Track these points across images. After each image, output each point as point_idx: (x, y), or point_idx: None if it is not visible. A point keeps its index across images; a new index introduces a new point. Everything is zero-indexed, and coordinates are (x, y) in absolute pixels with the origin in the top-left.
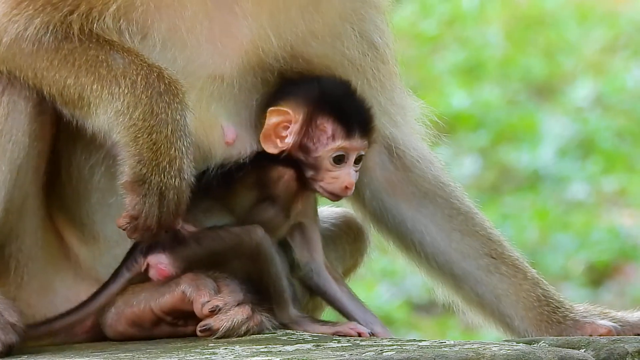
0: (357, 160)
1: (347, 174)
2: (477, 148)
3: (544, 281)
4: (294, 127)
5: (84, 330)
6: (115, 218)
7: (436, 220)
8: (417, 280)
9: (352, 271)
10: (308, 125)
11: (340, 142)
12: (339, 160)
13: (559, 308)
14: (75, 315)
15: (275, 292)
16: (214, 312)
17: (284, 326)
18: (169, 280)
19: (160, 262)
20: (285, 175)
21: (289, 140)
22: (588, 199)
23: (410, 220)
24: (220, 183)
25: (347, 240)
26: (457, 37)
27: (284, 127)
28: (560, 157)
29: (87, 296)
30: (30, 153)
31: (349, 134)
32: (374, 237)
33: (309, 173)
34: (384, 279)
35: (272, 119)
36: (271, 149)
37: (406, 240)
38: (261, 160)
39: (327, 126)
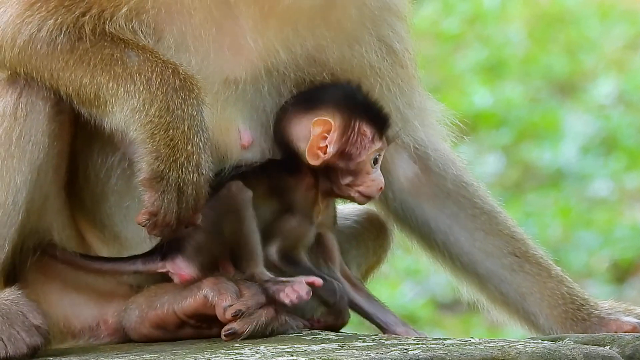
0: (377, 162)
1: (380, 175)
2: (500, 146)
3: (569, 279)
4: (334, 136)
5: (107, 332)
6: (134, 219)
7: (459, 220)
8: (441, 278)
9: (376, 268)
10: (349, 131)
11: (378, 144)
12: (375, 162)
13: (584, 305)
14: (73, 259)
15: (245, 247)
16: (236, 316)
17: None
18: (190, 284)
19: (180, 268)
20: (304, 183)
21: (332, 149)
22: (611, 196)
23: (434, 220)
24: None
25: (370, 237)
26: (479, 36)
27: (323, 137)
28: (583, 155)
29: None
30: (50, 153)
31: (380, 134)
32: (398, 236)
33: (347, 180)
34: (408, 277)
35: (316, 130)
36: (314, 161)
37: (430, 240)
38: (274, 168)
39: (367, 130)
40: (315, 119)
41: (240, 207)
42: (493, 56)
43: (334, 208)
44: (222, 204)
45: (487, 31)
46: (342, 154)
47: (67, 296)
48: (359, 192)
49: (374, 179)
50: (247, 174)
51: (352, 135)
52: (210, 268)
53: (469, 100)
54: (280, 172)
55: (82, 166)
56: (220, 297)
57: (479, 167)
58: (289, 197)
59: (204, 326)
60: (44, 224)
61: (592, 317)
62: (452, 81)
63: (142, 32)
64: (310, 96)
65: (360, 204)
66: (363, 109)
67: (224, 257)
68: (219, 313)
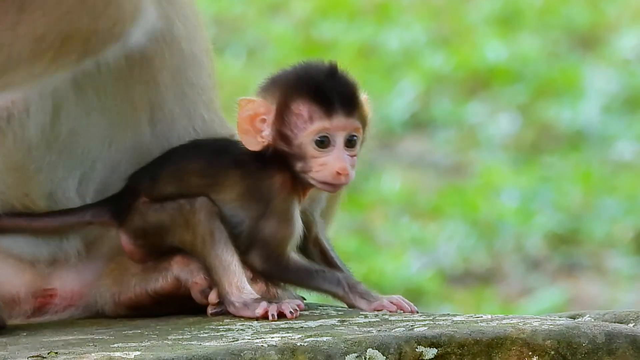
0: (350, 144)
1: (337, 158)
2: (515, 104)
3: None
4: (270, 117)
5: (64, 304)
6: None
7: None
8: (450, 248)
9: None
10: (283, 111)
11: (319, 123)
12: (323, 144)
13: None
14: (19, 221)
15: (217, 266)
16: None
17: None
18: (156, 264)
19: (122, 239)
20: (276, 179)
21: (267, 132)
22: (636, 159)
23: None
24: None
25: None
26: None
27: (262, 120)
28: (606, 114)
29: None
30: None
31: (328, 112)
32: (405, 201)
33: (298, 165)
34: (413, 247)
35: (242, 112)
36: (253, 146)
37: None
38: (246, 160)
39: (302, 108)
40: (241, 98)
41: (203, 222)
42: (508, 6)
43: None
44: (179, 213)
45: None
46: (281, 137)
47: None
48: (313, 178)
49: (324, 162)
50: (218, 166)
51: (286, 115)
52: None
53: (481, 54)
54: (252, 165)
55: None
56: (194, 278)
57: (493, 126)
58: (265, 198)
59: (182, 304)
60: None
61: None
62: (463, 33)
63: None
64: (268, 78)
65: (328, 191)
66: (304, 87)
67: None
68: (195, 297)
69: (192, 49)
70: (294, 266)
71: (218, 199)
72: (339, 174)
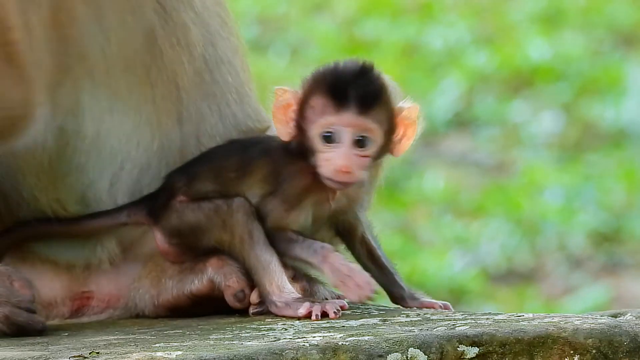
0: (360, 144)
1: (340, 155)
2: (559, 103)
3: None
4: (294, 109)
5: (102, 306)
6: None
7: None
8: (493, 247)
9: None
10: (303, 103)
11: (327, 118)
12: (329, 139)
13: None
14: (58, 227)
15: (256, 266)
16: (242, 300)
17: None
18: (193, 265)
19: (157, 238)
20: (297, 167)
21: (291, 123)
22: None
23: None
24: (235, 168)
25: None
26: None
27: (293, 110)
28: None
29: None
30: None
31: (337, 108)
32: (446, 199)
33: (311, 159)
34: (456, 246)
35: (277, 101)
36: (284, 136)
37: None
38: (276, 154)
39: (317, 101)
40: (277, 87)
41: (241, 222)
42: (551, 4)
43: (359, 188)
44: (215, 214)
45: None
46: (299, 128)
47: (36, 270)
48: (320, 173)
49: (328, 158)
50: (249, 157)
51: (305, 107)
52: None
53: (524, 53)
54: (279, 154)
55: None
56: (227, 281)
57: (536, 125)
58: (280, 181)
59: (221, 305)
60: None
61: None
62: (506, 32)
63: None
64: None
65: (336, 188)
66: (324, 81)
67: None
68: (228, 299)
69: (215, 50)
70: (291, 238)
71: (246, 186)
72: (340, 171)
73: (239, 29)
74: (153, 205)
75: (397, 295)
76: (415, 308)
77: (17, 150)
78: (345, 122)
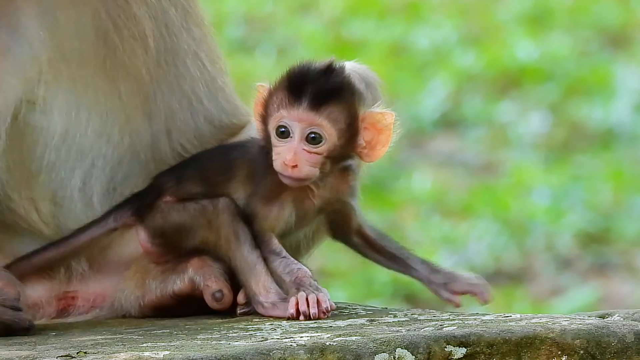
0: (312, 140)
1: (287, 149)
2: (546, 103)
3: None
4: (262, 104)
5: (87, 305)
6: None
7: None
8: (481, 247)
9: None
10: (268, 99)
11: (280, 112)
12: (283, 134)
13: None
14: (54, 251)
15: (242, 267)
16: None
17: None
18: (175, 266)
19: (140, 237)
20: (269, 165)
21: (259, 119)
22: None
23: None
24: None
25: None
26: None
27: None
28: (636, 113)
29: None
30: None
31: (290, 103)
32: (433, 201)
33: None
34: (444, 246)
35: (257, 97)
36: (258, 132)
37: None
38: (255, 153)
39: (277, 96)
40: (258, 84)
41: (227, 223)
42: (538, 4)
43: (345, 183)
44: (201, 214)
45: None
46: (264, 125)
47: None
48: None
49: (279, 152)
50: (232, 158)
51: (269, 103)
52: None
53: (512, 53)
54: (259, 152)
55: None
56: (206, 281)
57: (524, 125)
58: (260, 179)
59: (205, 305)
60: None
61: None
62: (493, 32)
63: None
64: None
65: (287, 184)
66: (286, 78)
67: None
68: (207, 299)
69: (177, 41)
70: (268, 246)
71: (232, 189)
72: (287, 165)
73: (208, 17)
74: (139, 204)
75: (425, 282)
76: (404, 309)
77: None
78: (295, 117)
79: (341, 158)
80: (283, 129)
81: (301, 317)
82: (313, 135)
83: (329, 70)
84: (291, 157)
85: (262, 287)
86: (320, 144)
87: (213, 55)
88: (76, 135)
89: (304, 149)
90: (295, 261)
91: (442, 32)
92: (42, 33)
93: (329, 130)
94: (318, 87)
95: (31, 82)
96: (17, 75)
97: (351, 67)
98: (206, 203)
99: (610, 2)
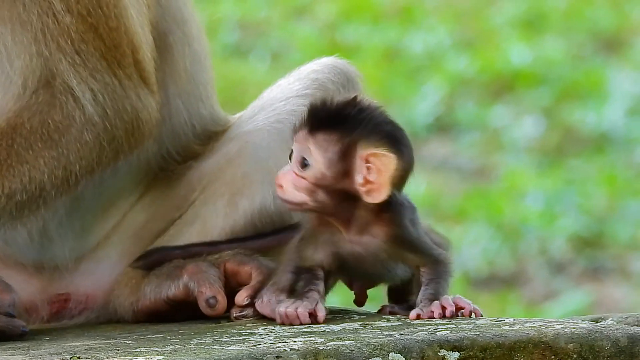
0: (302, 164)
1: (281, 173)
2: (539, 107)
3: None
4: None
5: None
6: None
7: None
8: (475, 251)
9: None
10: None
11: (294, 136)
12: (290, 157)
13: None
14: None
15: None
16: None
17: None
18: (170, 271)
19: None
20: None
21: None
22: None
23: None
24: None
25: None
26: None
27: None
28: (630, 117)
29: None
30: None
31: (299, 127)
32: (428, 204)
33: None
34: None
35: None
36: None
37: None
38: None
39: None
40: None
41: None
42: (532, 9)
43: (383, 227)
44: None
45: None
46: None
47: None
48: None
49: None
50: None
51: None
52: None
53: (505, 57)
54: None
55: None
56: (200, 287)
57: (517, 129)
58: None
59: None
60: None
61: None
62: (487, 36)
63: None
64: None
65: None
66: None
67: None
68: (200, 305)
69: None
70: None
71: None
72: (276, 185)
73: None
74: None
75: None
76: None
77: None
78: (296, 139)
79: (339, 192)
80: (290, 152)
81: (301, 319)
82: (303, 159)
83: (345, 103)
84: (277, 176)
85: (274, 285)
86: (307, 169)
87: (203, 60)
88: None
89: (293, 172)
90: (315, 294)
91: (436, 36)
92: None
93: (316, 157)
94: (321, 114)
95: None
96: None
97: (331, 62)
98: None
99: (604, 7)
